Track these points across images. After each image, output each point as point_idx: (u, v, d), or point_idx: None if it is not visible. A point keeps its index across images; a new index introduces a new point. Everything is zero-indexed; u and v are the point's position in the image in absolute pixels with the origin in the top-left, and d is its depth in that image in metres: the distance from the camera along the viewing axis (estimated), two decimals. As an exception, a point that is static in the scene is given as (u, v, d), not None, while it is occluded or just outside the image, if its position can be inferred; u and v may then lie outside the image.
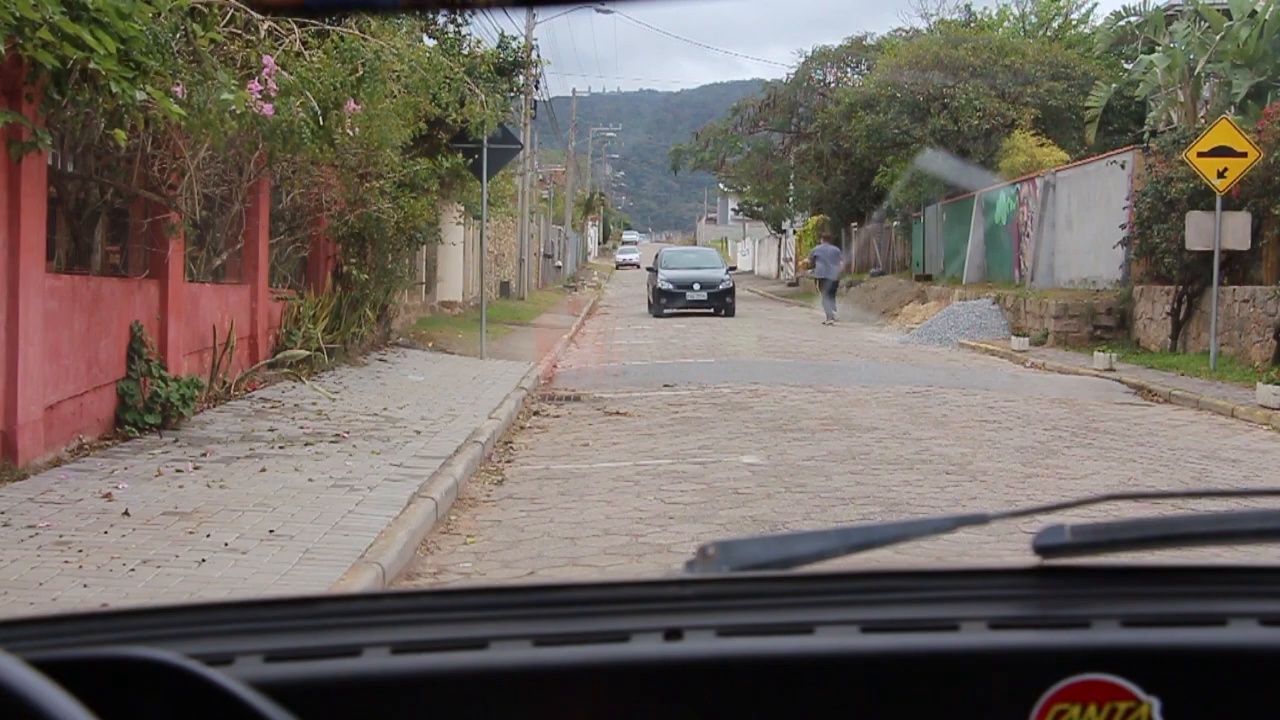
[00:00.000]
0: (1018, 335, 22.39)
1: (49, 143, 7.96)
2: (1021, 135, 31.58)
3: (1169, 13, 27.06)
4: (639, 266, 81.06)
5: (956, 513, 1.37)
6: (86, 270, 9.76)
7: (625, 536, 7.10)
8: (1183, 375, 16.58)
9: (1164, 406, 14.49)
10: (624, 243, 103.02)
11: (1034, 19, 43.76)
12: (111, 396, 9.53)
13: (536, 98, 35.80)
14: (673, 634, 1.14)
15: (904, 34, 46.27)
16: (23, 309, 7.85)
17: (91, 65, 7.26)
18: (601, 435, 11.21)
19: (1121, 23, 31.54)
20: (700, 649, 1.13)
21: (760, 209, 58.01)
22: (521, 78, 23.89)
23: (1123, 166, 22.03)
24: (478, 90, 15.75)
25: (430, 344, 19.27)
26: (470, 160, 17.70)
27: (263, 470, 8.38)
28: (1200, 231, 17.22)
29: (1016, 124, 32.51)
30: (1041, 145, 30.77)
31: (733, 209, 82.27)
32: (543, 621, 1.16)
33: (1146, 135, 25.30)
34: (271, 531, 6.63)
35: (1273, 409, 12.95)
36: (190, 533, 6.50)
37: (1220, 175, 16.66)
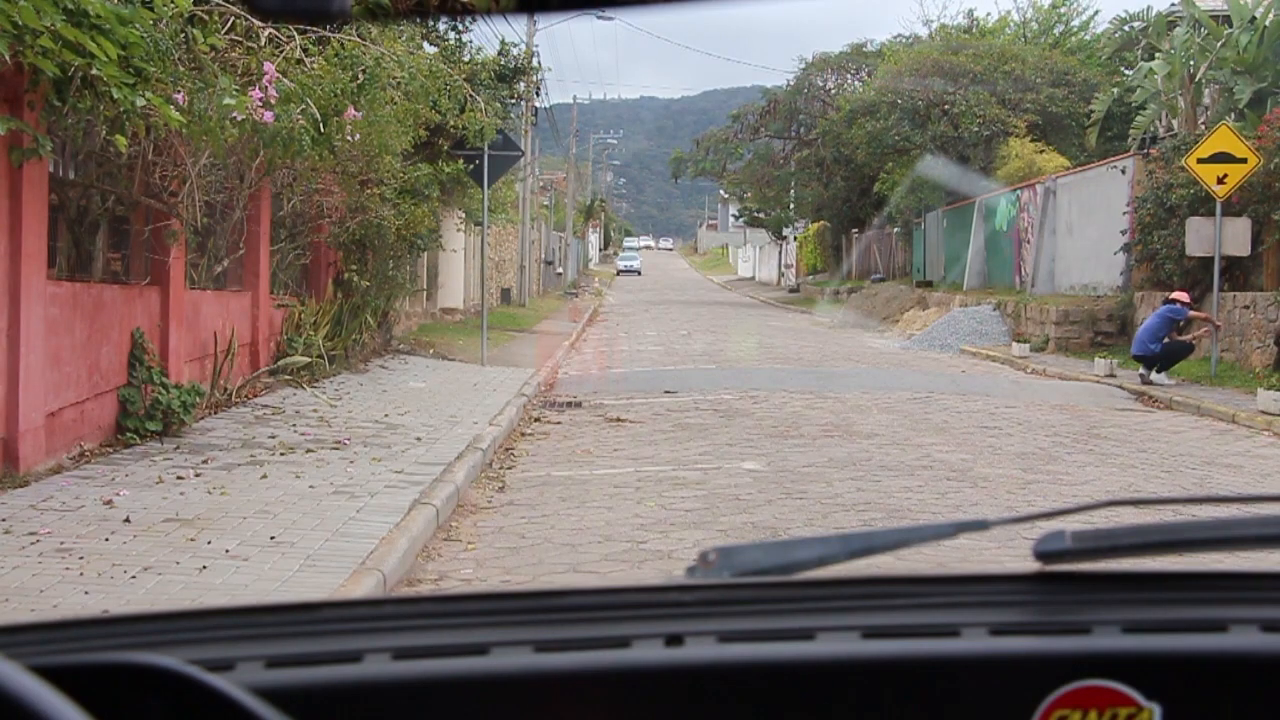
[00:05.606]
0: (1018, 341, 22.40)
1: (50, 149, 7.96)
2: (1019, 142, 31.60)
3: (1170, 19, 27.09)
4: (640, 274, 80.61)
5: (957, 519, 1.37)
6: (88, 277, 9.77)
7: (626, 543, 7.10)
8: (1183, 381, 16.58)
9: (1165, 412, 14.48)
10: (625, 249, 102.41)
11: (1035, 25, 43.83)
12: (113, 403, 9.53)
13: (537, 104, 35.85)
14: (674, 640, 1.14)
15: (904, 40, 46.35)
16: (24, 316, 7.86)
17: (93, 71, 7.27)
18: (603, 441, 11.20)
19: (1125, 28, 31.59)
20: (701, 655, 1.13)
21: (761, 215, 58.03)
22: (522, 84, 23.91)
23: (1123, 172, 22.05)
24: (478, 98, 15.76)
25: (431, 350, 19.27)
26: (471, 166, 17.73)
27: (264, 477, 8.38)
28: (1200, 237, 17.24)
29: (1012, 131, 32.56)
30: (1041, 151, 30.80)
31: (734, 215, 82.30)
32: (544, 627, 1.16)
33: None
34: (273, 538, 6.63)
35: (1273, 415, 12.94)
36: (191, 539, 6.50)
37: (1220, 181, 16.68)
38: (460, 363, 18.16)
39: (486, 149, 17.33)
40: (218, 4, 9.50)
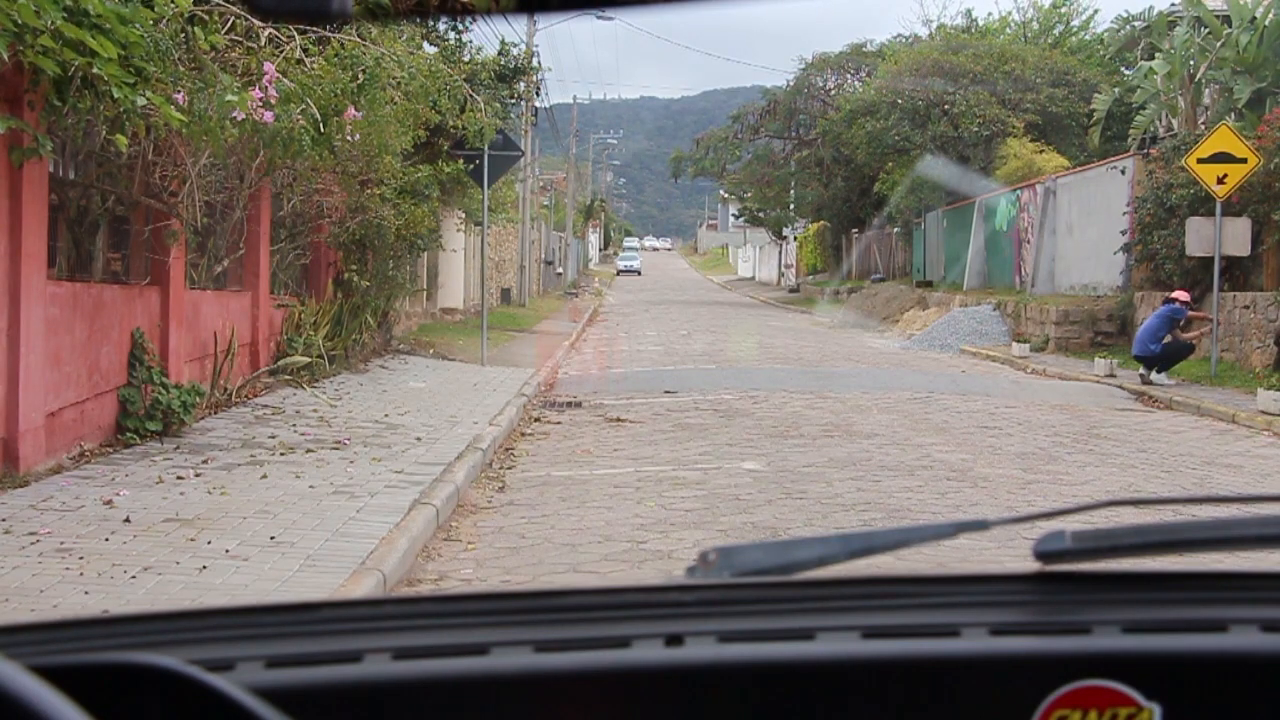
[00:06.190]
0: (1018, 341, 22.40)
1: (50, 148, 7.97)
2: (1018, 142, 31.60)
3: (1171, 19, 27.09)
4: (640, 274, 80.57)
5: (957, 519, 1.37)
6: (88, 277, 9.77)
7: (626, 543, 7.10)
8: (1183, 381, 16.58)
9: (1165, 412, 14.48)
10: (625, 249, 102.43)
11: (1035, 25, 43.83)
12: (113, 403, 9.53)
13: (537, 104, 35.84)
14: (674, 640, 1.14)
15: (904, 40, 46.35)
16: (24, 316, 7.86)
17: (94, 70, 7.27)
18: (603, 441, 11.20)
19: (1128, 27, 31.59)
20: (701, 655, 1.13)
21: (761, 215, 58.04)
22: (522, 84, 23.92)
23: (1123, 172, 22.05)
24: (478, 98, 15.77)
25: (431, 350, 19.27)
26: (471, 166, 17.74)
27: (264, 477, 8.38)
28: (1200, 237, 17.24)
29: (1011, 132, 32.57)
30: (1041, 151, 30.80)
31: (734, 215, 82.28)
32: (544, 627, 1.16)
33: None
34: (272, 538, 6.63)
35: (1273, 415, 12.94)
36: (191, 539, 6.50)
37: (1220, 181, 16.67)
38: (460, 363, 18.16)
39: (486, 149, 17.33)
40: (218, 4, 9.50)
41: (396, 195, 15.84)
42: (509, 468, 9.83)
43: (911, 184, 34.36)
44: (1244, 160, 16.66)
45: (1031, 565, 1.25)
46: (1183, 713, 1.13)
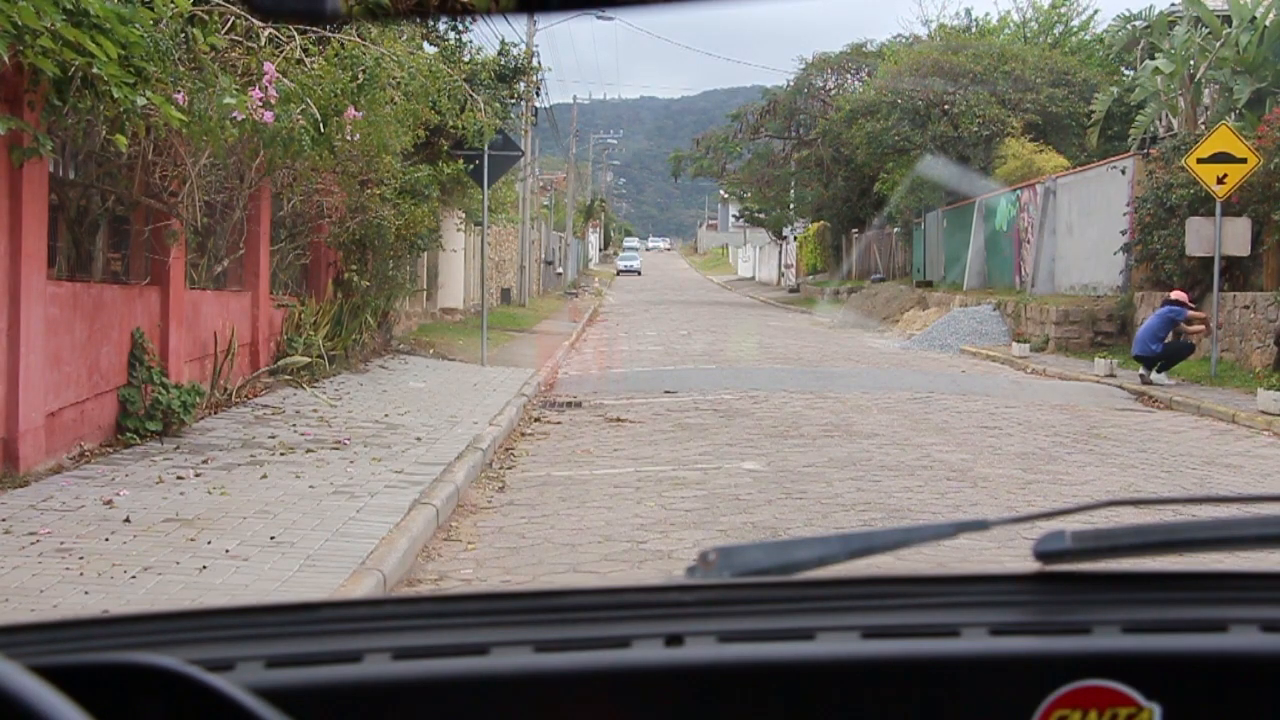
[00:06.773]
0: (1018, 341, 22.40)
1: (50, 148, 7.96)
2: (1017, 142, 31.60)
3: (1171, 19, 27.08)
4: (640, 274, 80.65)
5: (957, 519, 1.37)
6: (88, 277, 9.77)
7: (626, 543, 7.10)
8: (1183, 381, 16.58)
9: (1165, 412, 14.48)
10: (625, 249, 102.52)
11: (1035, 25, 43.85)
12: (113, 403, 9.53)
13: (537, 104, 35.84)
14: (674, 640, 1.14)
15: (904, 40, 46.35)
16: (24, 316, 7.86)
17: (94, 70, 7.27)
18: (603, 441, 11.20)
19: (1128, 27, 31.59)
20: (701, 655, 1.13)
21: (761, 215, 58.03)
22: (522, 84, 23.91)
23: (1123, 173, 22.05)
24: (478, 98, 15.77)
25: (431, 350, 19.27)
26: (471, 166, 17.74)
27: (264, 477, 8.38)
28: (1200, 237, 17.24)
29: (1010, 132, 32.57)
30: (1040, 151, 30.79)
31: (734, 215, 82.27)
32: (544, 627, 1.16)
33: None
34: (272, 538, 6.63)
35: (1273, 415, 12.94)
36: (191, 539, 6.50)
37: (1220, 181, 16.68)
38: (460, 363, 18.16)
39: (486, 149, 17.34)
40: (218, 4, 9.50)
41: (396, 195, 15.84)
42: (509, 468, 9.83)
43: (911, 184, 34.35)
44: (1244, 160, 16.66)
45: (1031, 565, 1.25)
46: (1183, 713, 1.13)
